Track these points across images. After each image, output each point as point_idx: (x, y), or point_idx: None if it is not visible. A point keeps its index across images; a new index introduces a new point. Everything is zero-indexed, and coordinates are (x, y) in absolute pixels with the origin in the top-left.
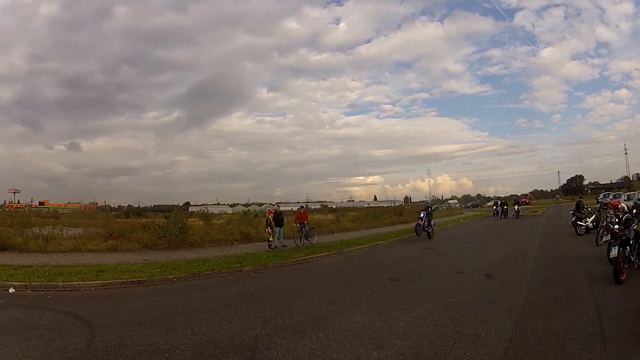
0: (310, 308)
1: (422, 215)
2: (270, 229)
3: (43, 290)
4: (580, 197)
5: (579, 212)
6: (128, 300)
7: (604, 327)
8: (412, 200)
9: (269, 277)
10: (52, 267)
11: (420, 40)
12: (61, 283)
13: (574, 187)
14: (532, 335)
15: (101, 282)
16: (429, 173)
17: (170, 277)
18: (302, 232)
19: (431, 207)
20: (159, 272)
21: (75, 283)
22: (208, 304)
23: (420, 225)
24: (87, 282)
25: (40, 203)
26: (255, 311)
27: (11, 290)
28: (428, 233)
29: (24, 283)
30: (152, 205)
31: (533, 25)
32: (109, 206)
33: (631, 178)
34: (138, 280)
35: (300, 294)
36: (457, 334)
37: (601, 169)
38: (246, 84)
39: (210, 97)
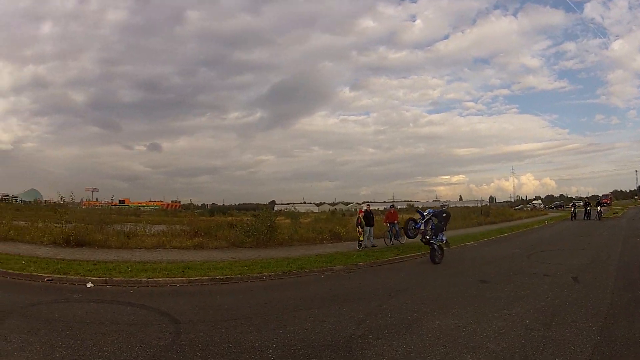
0: (403, 309)
1: (422, 219)
2: (361, 228)
3: (125, 286)
4: None
5: None
6: (216, 298)
7: None
8: (496, 200)
9: (360, 276)
10: (134, 263)
11: (495, 35)
12: (144, 279)
13: None
14: (616, 341)
15: (187, 278)
16: (512, 172)
17: (260, 275)
18: (391, 232)
19: (445, 211)
20: (247, 269)
21: (160, 279)
22: (300, 303)
23: (409, 232)
24: (173, 279)
25: (121, 201)
26: (348, 311)
27: (89, 285)
28: (432, 249)
29: (103, 278)
30: (237, 204)
31: (602, 17)
32: (192, 204)
33: None
34: (226, 278)
35: (393, 295)
36: (547, 338)
37: None
38: (327, 83)
39: (292, 97)
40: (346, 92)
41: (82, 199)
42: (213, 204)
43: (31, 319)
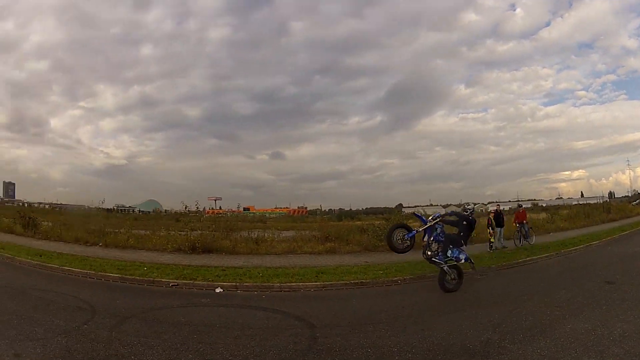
0: (537, 312)
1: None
2: (492, 229)
3: (256, 291)
4: None
5: None
6: (351, 302)
7: None
8: (615, 196)
9: (492, 279)
10: (265, 268)
11: (592, 17)
12: (277, 284)
13: None
14: None
15: (321, 283)
16: (628, 164)
17: (395, 279)
18: (521, 233)
19: (465, 217)
20: (382, 274)
21: (293, 284)
22: (435, 306)
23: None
24: (306, 283)
25: (245, 209)
26: (484, 315)
27: (218, 290)
28: (441, 271)
29: (233, 283)
30: (364, 208)
31: None
32: (319, 209)
33: None
34: (361, 282)
35: (526, 298)
36: None
37: None
38: (442, 82)
39: (409, 98)
40: (462, 89)
41: (204, 208)
42: (340, 208)
43: (153, 323)
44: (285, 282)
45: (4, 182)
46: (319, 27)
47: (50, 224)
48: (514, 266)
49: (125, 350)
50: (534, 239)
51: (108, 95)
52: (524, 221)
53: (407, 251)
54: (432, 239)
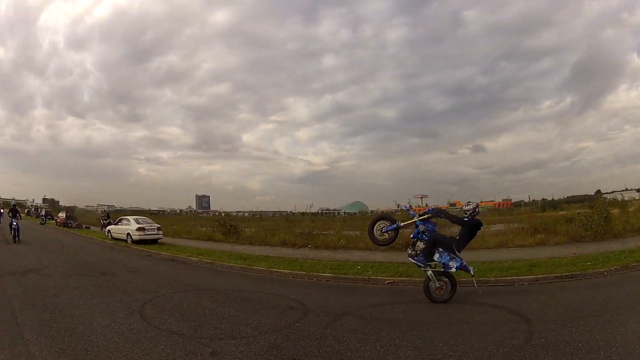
0: None
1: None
2: None
3: (472, 286)
4: None
5: None
6: (562, 295)
7: None
8: None
9: None
10: (480, 262)
11: None
12: (493, 278)
13: None
14: None
15: (534, 276)
16: None
17: (601, 270)
18: None
19: (469, 215)
20: (590, 265)
21: (508, 278)
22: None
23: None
24: (520, 277)
25: (452, 204)
26: None
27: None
28: (426, 277)
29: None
30: (566, 197)
31: None
32: (523, 201)
33: None
34: (571, 275)
35: None
36: None
37: None
38: (616, 53)
39: (592, 75)
40: (635, 60)
41: (411, 205)
42: (543, 199)
43: (370, 320)
44: (500, 277)
45: (196, 195)
46: (490, 13)
47: (253, 229)
48: None
49: (340, 346)
50: None
51: (299, 107)
52: None
53: (389, 244)
54: (414, 237)
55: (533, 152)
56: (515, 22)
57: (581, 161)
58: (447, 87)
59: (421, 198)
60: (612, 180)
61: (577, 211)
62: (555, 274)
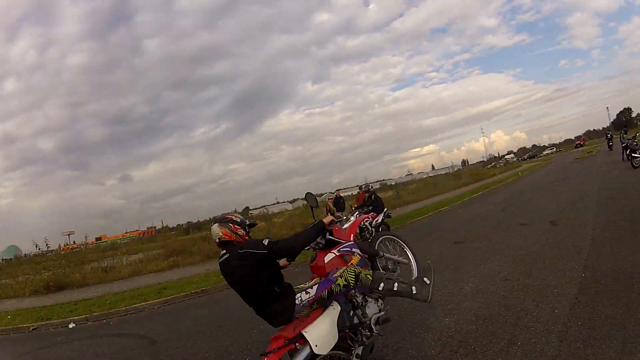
0: None
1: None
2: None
3: (104, 319)
4: (624, 132)
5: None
6: (191, 312)
7: None
8: (469, 163)
9: None
10: (112, 295)
11: (449, 3)
12: (123, 308)
13: (623, 120)
14: (602, 276)
15: (164, 298)
16: (482, 132)
17: None
18: None
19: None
20: (222, 279)
21: (138, 305)
22: None
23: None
24: (150, 302)
25: (97, 238)
26: None
27: (71, 325)
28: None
29: (84, 316)
30: (212, 217)
31: None
32: (167, 227)
33: None
34: (202, 290)
35: None
36: (527, 286)
37: None
38: (289, 82)
39: (256, 102)
40: (308, 87)
41: (59, 245)
42: (188, 222)
43: None
44: (131, 305)
45: None
46: (173, 43)
47: None
48: None
49: None
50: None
51: None
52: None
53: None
54: None
55: (180, 178)
56: (195, 52)
57: (230, 182)
58: (108, 116)
59: (68, 235)
60: (264, 196)
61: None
62: (185, 293)
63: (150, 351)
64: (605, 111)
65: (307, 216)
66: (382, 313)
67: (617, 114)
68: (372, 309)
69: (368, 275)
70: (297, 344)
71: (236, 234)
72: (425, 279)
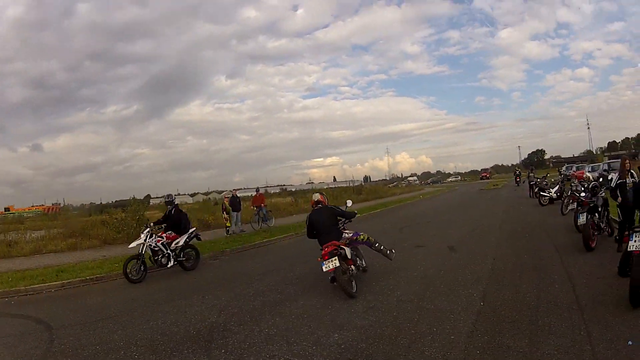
0: (266, 292)
1: None
2: (227, 214)
3: (7, 297)
4: (531, 170)
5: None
6: (87, 299)
7: (579, 295)
8: (371, 180)
9: (227, 263)
10: (15, 272)
11: (377, 23)
12: (23, 287)
13: (535, 160)
14: (502, 306)
15: (61, 282)
16: (387, 152)
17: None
18: (259, 216)
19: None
20: (117, 267)
21: (36, 286)
22: (164, 296)
23: None
24: (48, 284)
25: (6, 209)
26: (211, 299)
27: None
28: None
29: None
30: (114, 201)
31: (492, 8)
32: (72, 205)
33: (594, 152)
34: (97, 277)
35: (258, 278)
36: (422, 309)
37: (563, 143)
38: (205, 72)
39: (169, 87)
40: (222, 81)
41: None
42: (91, 203)
43: None
44: (30, 285)
45: None
46: (103, 11)
47: None
48: (250, 249)
49: None
50: (273, 222)
51: None
52: (262, 204)
53: None
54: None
55: (88, 156)
56: (120, 25)
57: (134, 166)
58: (29, 78)
59: None
60: (167, 186)
61: (112, 215)
62: (81, 278)
63: (47, 337)
64: (516, 149)
65: (204, 212)
66: (365, 265)
67: (529, 154)
68: (360, 260)
69: (371, 238)
70: (340, 248)
71: (326, 200)
72: (392, 251)
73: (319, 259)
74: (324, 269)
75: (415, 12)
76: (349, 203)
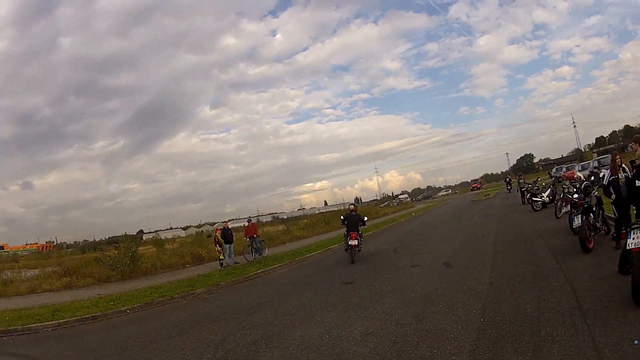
0: (263, 324)
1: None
2: (220, 247)
3: (5, 336)
4: (520, 177)
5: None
6: (83, 338)
7: (580, 299)
8: (362, 201)
9: (221, 296)
10: (11, 311)
11: (356, 42)
12: (20, 327)
13: (524, 165)
14: (502, 320)
15: (57, 321)
16: (376, 171)
17: (123, 309)
18: (252, 247)
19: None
20: (112, 305)
21: (32, 325)
22: (161, 333)
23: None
24: (44, 323)
25: (0, 247)
26: (207, 334)
27: None
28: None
29: None
30: (107, 238)
31: (468, 16)
32: (65, 243)
33: (583, 149)
34: (92, 316)
35: (254, 311)
36: (421, 330)
37: (550, 145)
38: (188, 103)
39: (154, 120)
40: (206, 111)
41: None
42: (85, 240)
43: None
44: (26, 325)
45: None
46: (84, 45)
47: None
48: (244, 280)
49: None
50: (266, 252)
51: None
52: (255, 235)
53: None
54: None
55: (78, 192)
56: (104, 58)
57: (125, 202)
58: (16, 113)
59: None
60: (158, 220)
61: (103, 252)
62: (77, 317)
63: None
64: (504, 156)
65: (197, 245)
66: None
67: (518, 159)
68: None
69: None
70: (359, 236)
71: (357, 209)
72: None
73: (348, 238)
74: (350, 244)
75: (392, 27)
76: (366, 218)
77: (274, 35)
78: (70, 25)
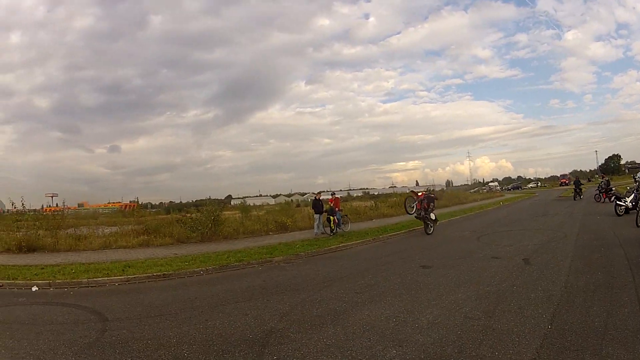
0: (333, 299)
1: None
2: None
3: (66, 287)
4: (602, 178)
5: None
6: (149, 294)
7: None
8: (453, 184)
9: (298, 267)
10: (79, 264)
11: (447, 29)
12: (85, 280)
13: (612, 166)
14: (569, 330)
15: (126, 277)
16: (468, 155)
17: (197, 269)
18: (332, 221)
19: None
20: (186, 265)
21: (99, 279)
22: (229, 296)
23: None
24: (112, 278)
25: (79, 205)
26: (275, 303)
27: (34, 288)
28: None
29: (47, 281)
30: (194, 200)
31: (555, 10)
32: (150, 203)
33: None
34: (164, 274)
35: (326, 285)
36: (488, 328)
37: (637, 147)
38: (282, 79)
39: (247, 93)
40: (302, 86)
41: (42, 205)
42: (170, 202)
43: None
44: (93, 278)
45: None
46: (176, 22)
47: None
48: (324, 253)
49: None
50: (349, 226)
51: None
52: (337, 209)
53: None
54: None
55: (167, 157)
56: (196, 35)
57: (215, 167)
58: (103, 84)
59: (52, 197)
60: (247, 187)
61: (187, 214)
62: (147, 274)
63: (99, 328)
64: (593, 154)
65: (284, 214)
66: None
67: (606, 159)
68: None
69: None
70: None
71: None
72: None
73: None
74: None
75: (481, 16)
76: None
77: (367, 19)
78: (159, 4)
